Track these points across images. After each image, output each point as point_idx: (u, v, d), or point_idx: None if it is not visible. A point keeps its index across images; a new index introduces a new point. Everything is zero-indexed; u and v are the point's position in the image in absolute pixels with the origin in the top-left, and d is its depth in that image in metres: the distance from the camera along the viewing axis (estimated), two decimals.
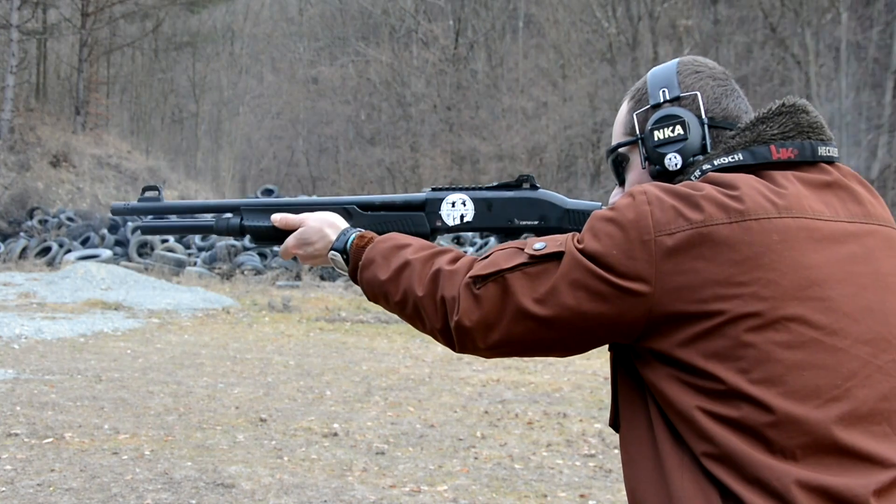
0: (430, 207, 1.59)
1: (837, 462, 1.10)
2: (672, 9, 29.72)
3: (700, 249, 1.13)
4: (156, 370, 7.86)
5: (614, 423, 1.30)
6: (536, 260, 1.21)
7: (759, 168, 1.22)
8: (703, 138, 1.28)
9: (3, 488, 4.35)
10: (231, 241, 18.26)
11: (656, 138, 1.30)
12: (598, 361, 8.71)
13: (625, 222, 1.16)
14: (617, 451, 5.37)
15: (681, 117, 1.29)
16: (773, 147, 1.21)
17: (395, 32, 38.81)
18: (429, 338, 9.07)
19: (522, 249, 1.23)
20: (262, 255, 17.95)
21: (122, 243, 18.95)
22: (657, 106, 1.33)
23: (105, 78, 33.27)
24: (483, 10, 36.16)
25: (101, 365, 8.07)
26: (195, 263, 17.78)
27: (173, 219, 1.78)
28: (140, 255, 18.08)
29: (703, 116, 1.29)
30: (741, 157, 1.22)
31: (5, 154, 24.72)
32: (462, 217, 1.58)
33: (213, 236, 18.79)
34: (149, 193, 1.73)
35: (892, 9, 24.63)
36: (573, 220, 1.55)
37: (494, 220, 1.58)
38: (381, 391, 7.14)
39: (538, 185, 1.59)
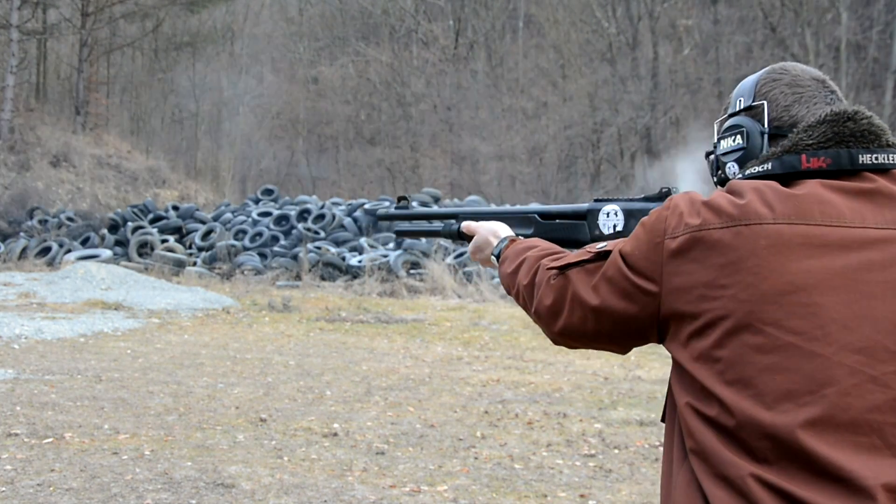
0: (590, 217, 1.72)
1: (807, 472, 1.09)
2: (672, 9, 29.71)
3: (694, 252, 1.18)
4: (156, 370, 7.86)
5: (664, 418, 1.38)
6: (594, 257, 1.32)
7: (788, 177, 1.22)
8: (762, 148, 1.30)
9: (3, 488, 4.35)
10: (232, 241, 18.26)
11: (721, 148, 1.37)
12: (598, 361, 8.71)
13: (648, 226, 1.25)
14: (617, 451, 5.38)
15: (742, 127, 1.32)
16: (803, 156, 1.22)
17: (395, 32, 38.80)
18: (429, 338, 9.01)
19: (589, 250, 1.35)
20: (262, 256, 17.94)
21: (122, 243, 18.93)
22: (732, 115, 1.38)
23: (105, 78, 33.24)
24: (483, 10, 36.15)
25: (101, 365, 8.06)
26: (195, 263, 17.76)
27: (419, 225, 2.11)
28: (140, 255, 18.07)
29: (766, 125, 1.31)
30: (770, 167, 1.24)
31: (5, 154, 24.71)
32: (614, 226, 1.69)
33: (213, 237, 18.79)
34: (402, 202, 2.04)
35: (892, 9, 24.64)
36: None
37: None
38: (381, 391, 7.14)
39: None
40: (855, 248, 1.15)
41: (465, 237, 1.89)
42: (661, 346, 1.29)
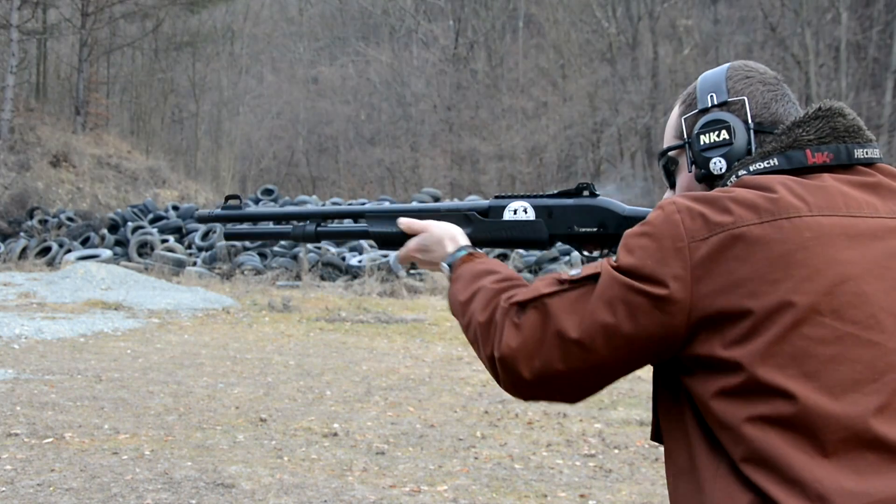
0: (493, 214, 1.63)
1: (880, 460, 1.09)
2: (672, 9, 29.74)
3: (733, 251, 1.15)
4: (156, 370, 7.86)
5: (656, 436, 1.33)
6: (574, 284, 1.23)
7: (794, 172, 1.23)
8: (749, 143, 1.29)
9: (3, 488, 4.35)
10: (231, 241, 18.24)
11: (702, 142, 1.32)
12: None
13: (657, 233, 1.19)
14: (617, 451, 5.37)
15: (726, 122, 1.30)
16: (808, 151, 1.23)
17: (395, 32, 38.82)
18: (429, 338, 8.94)
19: (561, 279, 1.25)
20: (262, 255, 17.94)
21: (122, 243, 18.94)
22: (705, 110, 1.34)
23: (105, 78, 33.25)
24: (483, 10, 36.15)
25: (101, 365, 8.07)
26: (195, 263, 17.76)
27: (257, 228, 1.87)
28: (140, 255, 18.07)
29: (750, 121, 1.30)
30: (776, 162, 1.24)
31: (5, 154, 24.71)
32: None
33: (213, 237, 18.78)
34: (231, 202, 1.78)
35: (892, 9, 24.66)
36: (631, 227, 1.57)
37: (555, 227, 1.61)
38: (381, 391, 7.14)
39: (598, 193, 1.61)
40: (880, 237, 1.17)
41: (327, 237, 1.75)
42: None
